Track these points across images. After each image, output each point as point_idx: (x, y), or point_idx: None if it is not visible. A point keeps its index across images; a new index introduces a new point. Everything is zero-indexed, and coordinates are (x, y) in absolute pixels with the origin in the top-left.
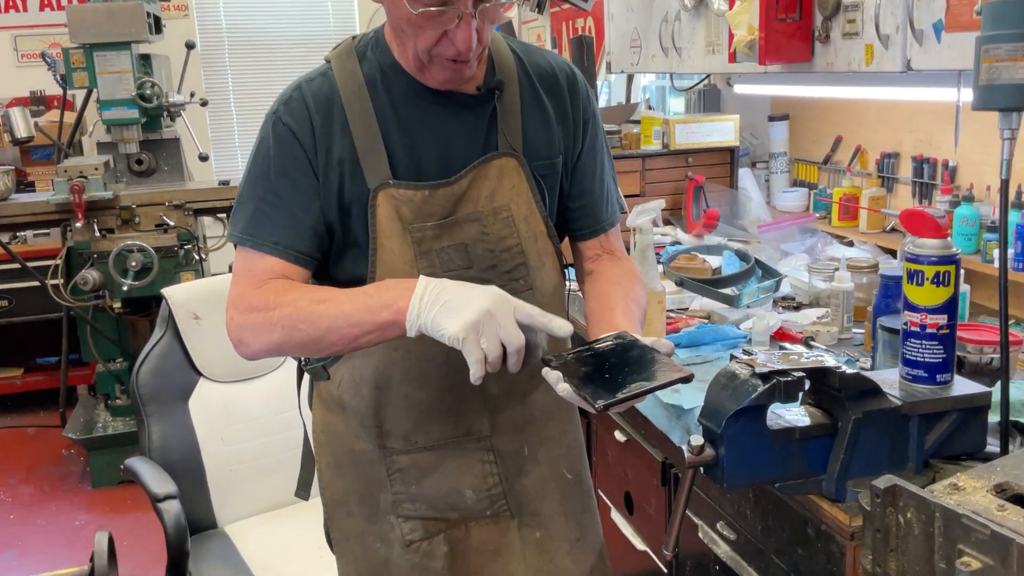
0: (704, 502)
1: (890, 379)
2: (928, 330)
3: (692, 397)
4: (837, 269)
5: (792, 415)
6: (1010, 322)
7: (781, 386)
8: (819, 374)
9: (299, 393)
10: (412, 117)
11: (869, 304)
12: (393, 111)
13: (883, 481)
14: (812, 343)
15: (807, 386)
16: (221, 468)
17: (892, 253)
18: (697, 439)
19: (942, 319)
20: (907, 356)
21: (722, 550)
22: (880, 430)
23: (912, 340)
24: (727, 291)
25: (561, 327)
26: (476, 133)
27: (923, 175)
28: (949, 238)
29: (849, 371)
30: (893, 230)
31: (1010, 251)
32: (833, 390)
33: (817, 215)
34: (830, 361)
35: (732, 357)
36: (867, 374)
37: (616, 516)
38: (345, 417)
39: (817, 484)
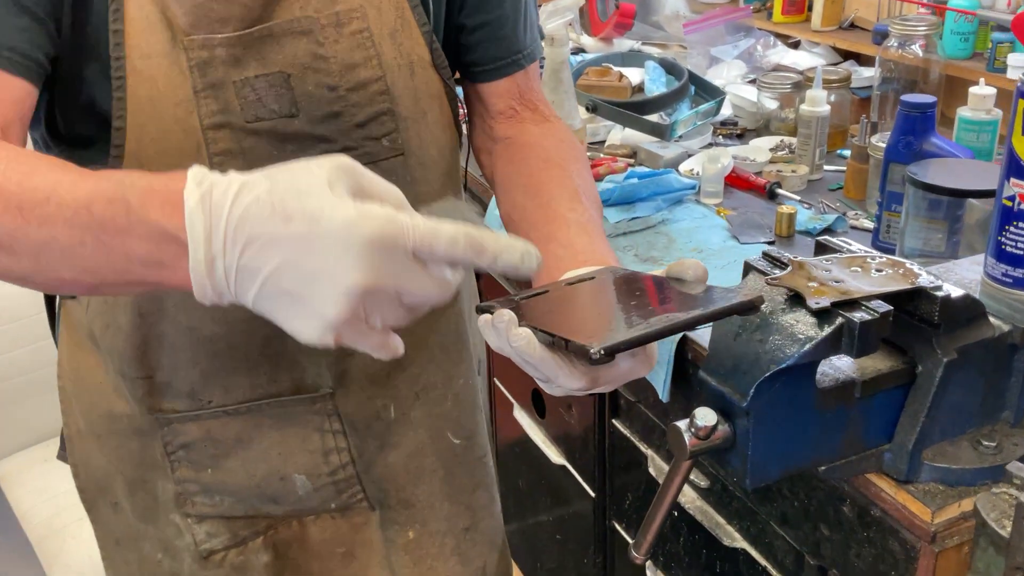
0: (654, 424)
1: (967, 279)
2: None
3: None
4: (797, 84)
5: (843, 359)
6: None
7: (855, 331)
8: (903, 299)
9: (52, 314)
10: None
11: (840, 130)
12: None
13: None
14: (779, 190)
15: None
16: None
17: (854, 57)
18: (707, 415)
19: None
20: (1006, 248)
21: (686, 497)
22: (976, 372)
23: (1020, 225)
24: (655, 118)
25: (525, 255)
26: None
27: None
28: None
29: (956, 293)
30: (853, 26)
31: None
32: (922, 321)
33: (751, 7)
34: (925, 278)
35: (749, 266)
36: (971, 292)
37: (520, 416)
38: (100, 359)
39: (876, 458)
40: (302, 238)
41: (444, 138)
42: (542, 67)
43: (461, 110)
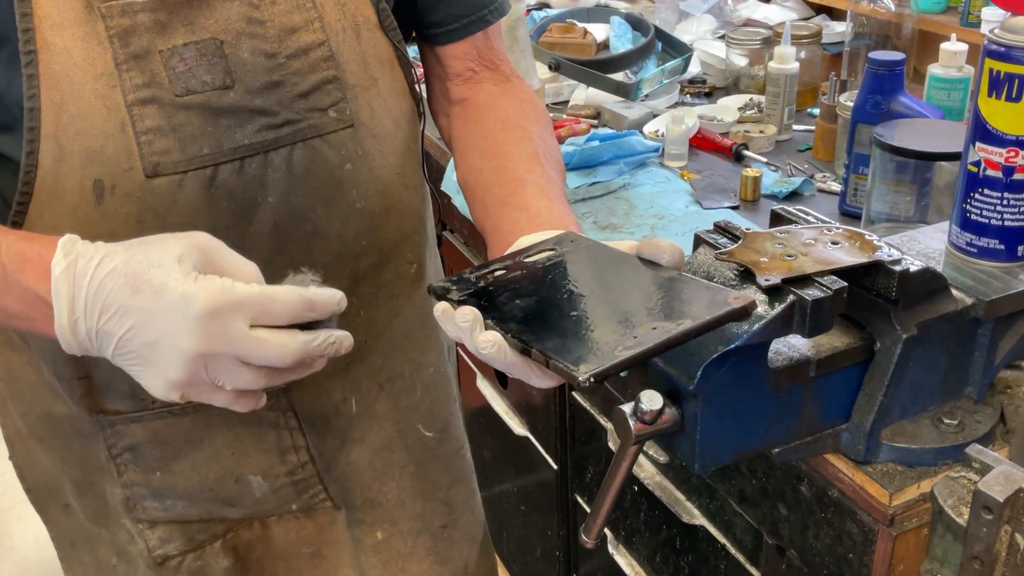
0: (613, 398)
1: (930, 249)
2: (1017, 175)
3: None
4: (767, 40)
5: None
6: None
7: (807, 309)
8: (860, 273)
9: None
10: None
11: (811, 88)
12: None
13: (997, 483)
14: (745, 152)
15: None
16: None
17: (826, 11)
18: (653, 399)
19: None
20: (971, 216)
21: (646, 472)
22: (938, 348)
23: (985, 192)
24: (620, 77)
25: (328, 301)
26: None
27: None
28: None
29: (915, 266)
30: None
31: None
32: (879, 296)
33: None
34: (884, 251)
35: (699, 239)
36: (935, 263)
37: (483, 386)
38: (32, 358)
39: (833, 438)
40: (146, 309)
41: (399, 107)
42: None
43: (418, 69)
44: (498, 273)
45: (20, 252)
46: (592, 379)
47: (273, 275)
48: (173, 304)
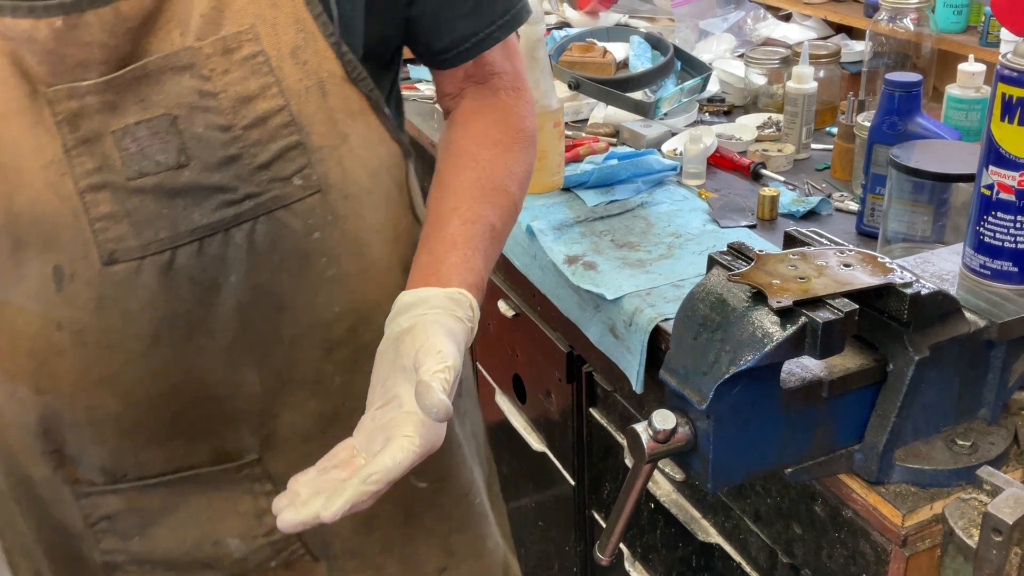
0: (630, 415)
1: (944, 271)
2: None
3: (615, 278)
4: (786, 59)
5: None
6: None
7: (818, 331)
8: (872, 296)
9: None
10: None
11: (830, 107)
12: None
13: (1006, 505)
14: (763, 171)
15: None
16: None
17: (846, 31)
18: (664, 418)
19: None
20: (984, 239)
21: (662, 490)
22: (951, 370)
23: (998, 215)
24: (639, 95)
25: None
26: None
27: None
28: None
29: (927, 290)
30: None
31: None
32: (891, 318)
33: None
34: (896, 274)
35: (713, 260)
36: (949, 285)
37: (502, 401)
38: (8, 423)
39: (846, 458)
40: None
41: (376, 157)
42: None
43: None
44: None
45: None
46: None
47: (237, 359)
48: None
